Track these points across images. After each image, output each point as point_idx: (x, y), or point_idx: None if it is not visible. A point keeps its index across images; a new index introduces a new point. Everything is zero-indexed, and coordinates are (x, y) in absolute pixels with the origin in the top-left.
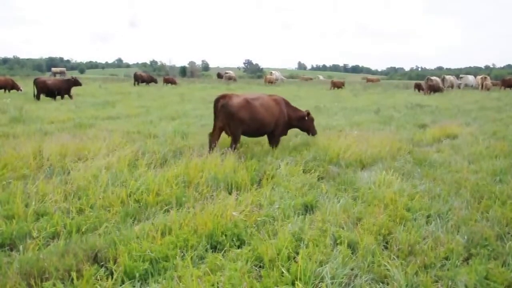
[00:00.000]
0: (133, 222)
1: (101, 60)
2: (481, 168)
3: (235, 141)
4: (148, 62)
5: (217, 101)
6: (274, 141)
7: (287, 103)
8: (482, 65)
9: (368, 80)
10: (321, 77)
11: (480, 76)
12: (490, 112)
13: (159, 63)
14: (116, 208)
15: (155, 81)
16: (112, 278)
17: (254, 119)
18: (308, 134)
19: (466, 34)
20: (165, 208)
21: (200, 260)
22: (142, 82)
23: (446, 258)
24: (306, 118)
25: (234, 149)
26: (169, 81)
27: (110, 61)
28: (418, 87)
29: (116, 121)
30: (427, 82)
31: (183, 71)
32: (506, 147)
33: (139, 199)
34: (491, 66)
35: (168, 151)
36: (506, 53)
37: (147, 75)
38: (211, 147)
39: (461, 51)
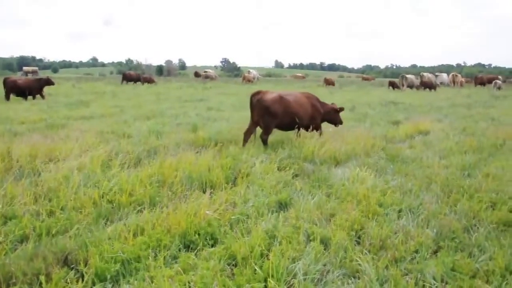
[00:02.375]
0: (105, 223)
1: (75, 59)
2: (451, 163)
3: (266, 133)
4: (124, 61)
5: (253, 97)
6: (316, 131)
7: (318, 100)
8: (454, 63)
9: (364, 79)
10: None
11: (451, 74)
12: (461, 108)
13: (135, 62)
14: (88, 209)
15: (141, 81)
16: (82, 280)
17: (287, 113)
18: (336, 125)
19: (438, 33)
20: (138, 208)
21: (173, 260)
22: (131, 81)
23: (416, 252)
24: (336, 110)
25: (265, 140)
26: (146, 80)
27: (84, 60)
28: (392, 84)
29: (90, 121)
30: (402, 80)
31: (159, 70)
32: (475, 142)
33: (112, 200)
34: (462, 64)
35: (143, 150)
36: (476, 51)
37: (136, 74)
38: (245, 140)
39: (434, 49)
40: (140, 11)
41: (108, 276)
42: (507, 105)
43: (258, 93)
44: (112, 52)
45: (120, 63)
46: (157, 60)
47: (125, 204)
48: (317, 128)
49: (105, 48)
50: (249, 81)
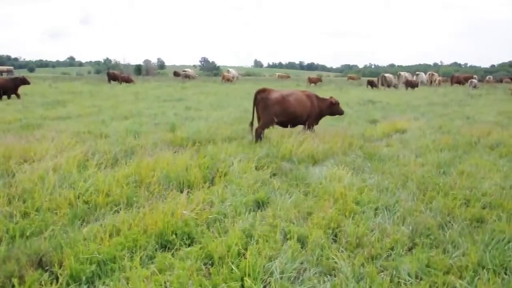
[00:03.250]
0: (81, 224)
1: (52, 58)
2: (427, 161)
3: (263, 127)
4: (102, 61)
5: (257, 94)
6: (308, 129)
7: (317, 97)
8: (431, 62)
9: (349, 78)
10: (278, 74)
11: (428, 73)
12: (437, 107)
13: (113, 62)
14: (64, 210)
15: (119, 80)
16: (57, 282)
17: (287, 112)
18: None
19: (416, 33)
20: (115, 209)
21: (150, 260)
22: (115, 80)
23: (392, 249)
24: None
25: (259, 134)
26: (124, 79)
27: (61, 60)
28: (371, 84)
29: (66, 121)
30: (381, 79)
31: (138, 70)
32: (450, 140)
33: (88, 201)
34: (439, 64)
35: (120, 150)
36: (453, 51)
37: (120, 74)
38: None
39: (411, 49)
40: (118, 9)
41: (83, 278)
42: (482, 103)
43: (263, 91)
44: (90, 51)
45: (98, 63)
46: (135, 59)
47: (102, 204)
48: (311, 124)
49: (83, 47)
50: (228, 80)
